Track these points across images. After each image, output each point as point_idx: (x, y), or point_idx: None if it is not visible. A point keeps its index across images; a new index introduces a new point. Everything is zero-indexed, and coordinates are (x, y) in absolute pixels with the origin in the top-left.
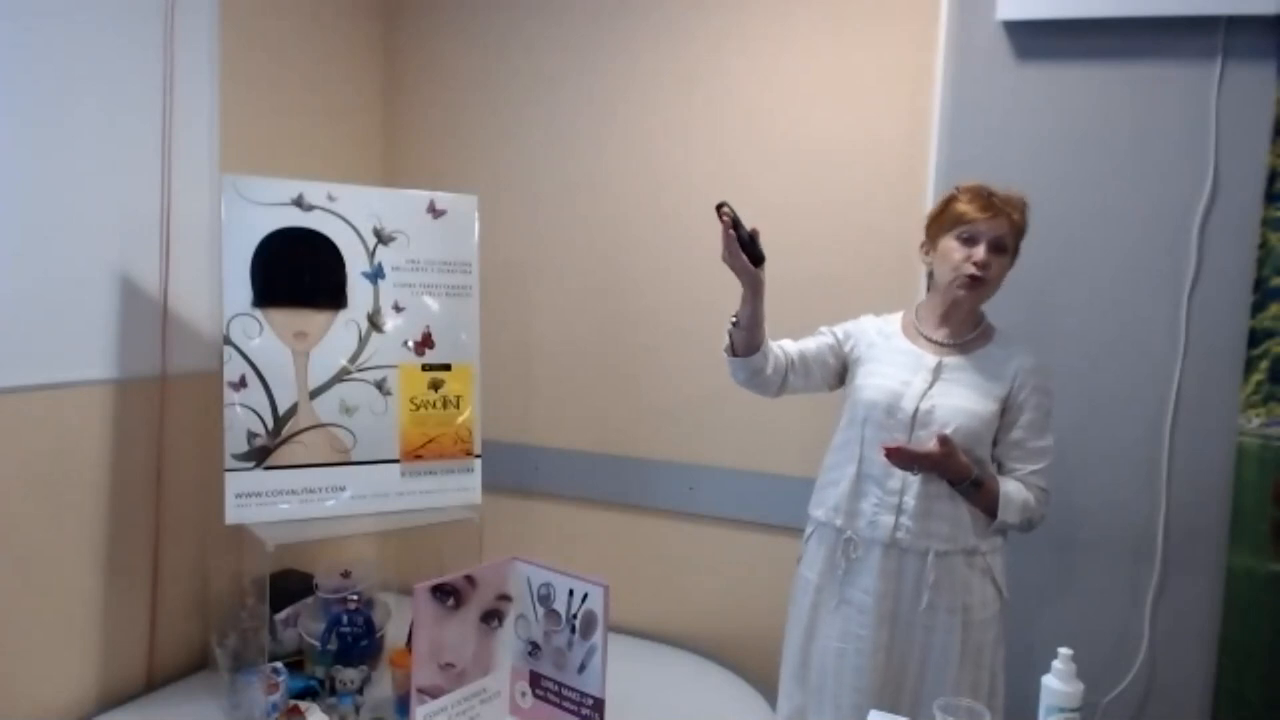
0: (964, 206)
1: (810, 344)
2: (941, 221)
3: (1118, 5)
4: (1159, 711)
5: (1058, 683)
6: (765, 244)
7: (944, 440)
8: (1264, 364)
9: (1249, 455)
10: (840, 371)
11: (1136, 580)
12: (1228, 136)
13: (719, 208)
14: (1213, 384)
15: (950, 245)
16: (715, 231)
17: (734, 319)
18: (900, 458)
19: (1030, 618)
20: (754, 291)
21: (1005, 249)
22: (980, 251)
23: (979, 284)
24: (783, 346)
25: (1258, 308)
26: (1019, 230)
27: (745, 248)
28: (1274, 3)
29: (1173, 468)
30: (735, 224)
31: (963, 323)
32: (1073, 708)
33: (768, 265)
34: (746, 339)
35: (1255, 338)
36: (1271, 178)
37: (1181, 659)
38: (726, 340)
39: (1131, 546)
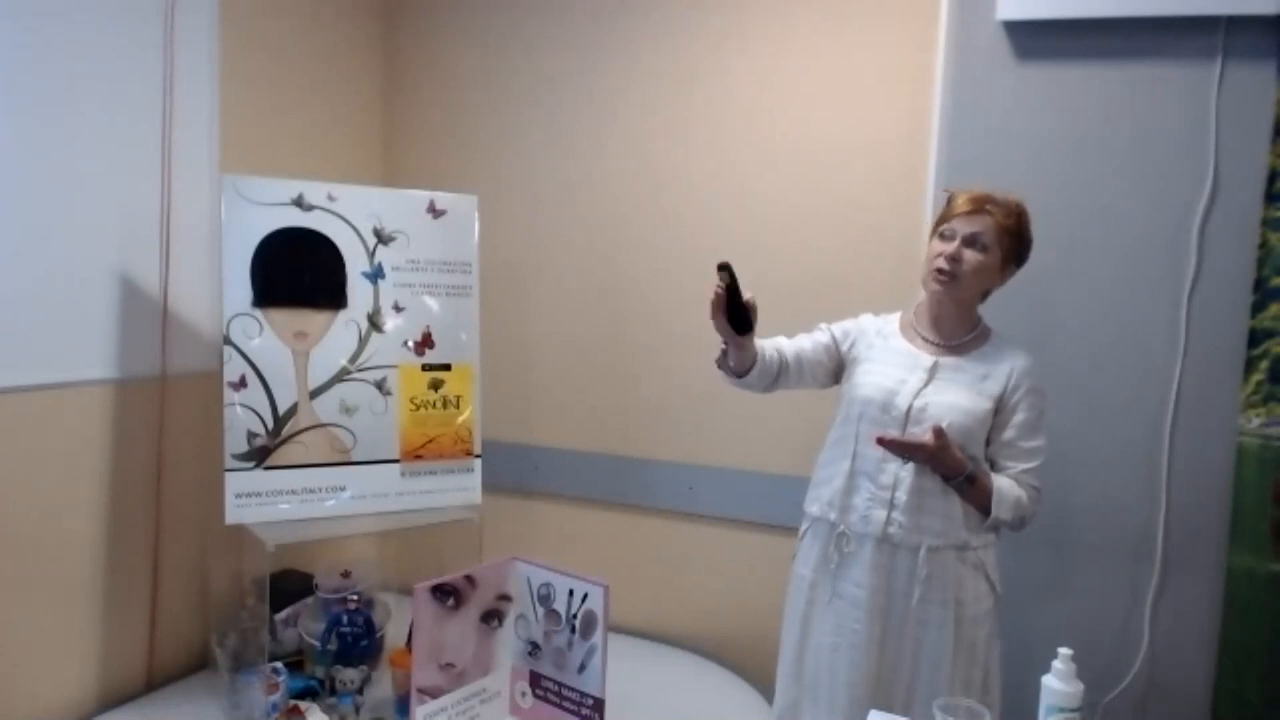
0: (949, 206)
1: (806, 344)
2: (936, 222)
3: (1118, 5)
4: (1159, 711)
5: (1058, 683)
6: (767, 245)
7: (939, 433)
8: (1264, 364)
9: (1249, 455)
10: (835, 371)
11: (1136, 580)
12: (1228, 136)
13: (719, 267)
14: (1213, 384)
15: (932, 243)
16: (716, 233)
17: (724, 345)
18: (894, 447)
19: (1030, 617)
20: (735, 348)
21: (984, 247)
22: (951, 246)
23: (949, 278)
24: (778, 347)
25: (1258, 308)
26: (1006, 231)
27: (735, 312)
28: (1274, 3)
29: (1173, 468)
30: (731, 288)
31: (957, 323)
32: (1073, 708)
33: (769, 263)
34: (735, 366)
35: (1255, 338)
36: (1271, 178)
37: (1181, 659)
38: (718, 353)
39: (1131, 546)
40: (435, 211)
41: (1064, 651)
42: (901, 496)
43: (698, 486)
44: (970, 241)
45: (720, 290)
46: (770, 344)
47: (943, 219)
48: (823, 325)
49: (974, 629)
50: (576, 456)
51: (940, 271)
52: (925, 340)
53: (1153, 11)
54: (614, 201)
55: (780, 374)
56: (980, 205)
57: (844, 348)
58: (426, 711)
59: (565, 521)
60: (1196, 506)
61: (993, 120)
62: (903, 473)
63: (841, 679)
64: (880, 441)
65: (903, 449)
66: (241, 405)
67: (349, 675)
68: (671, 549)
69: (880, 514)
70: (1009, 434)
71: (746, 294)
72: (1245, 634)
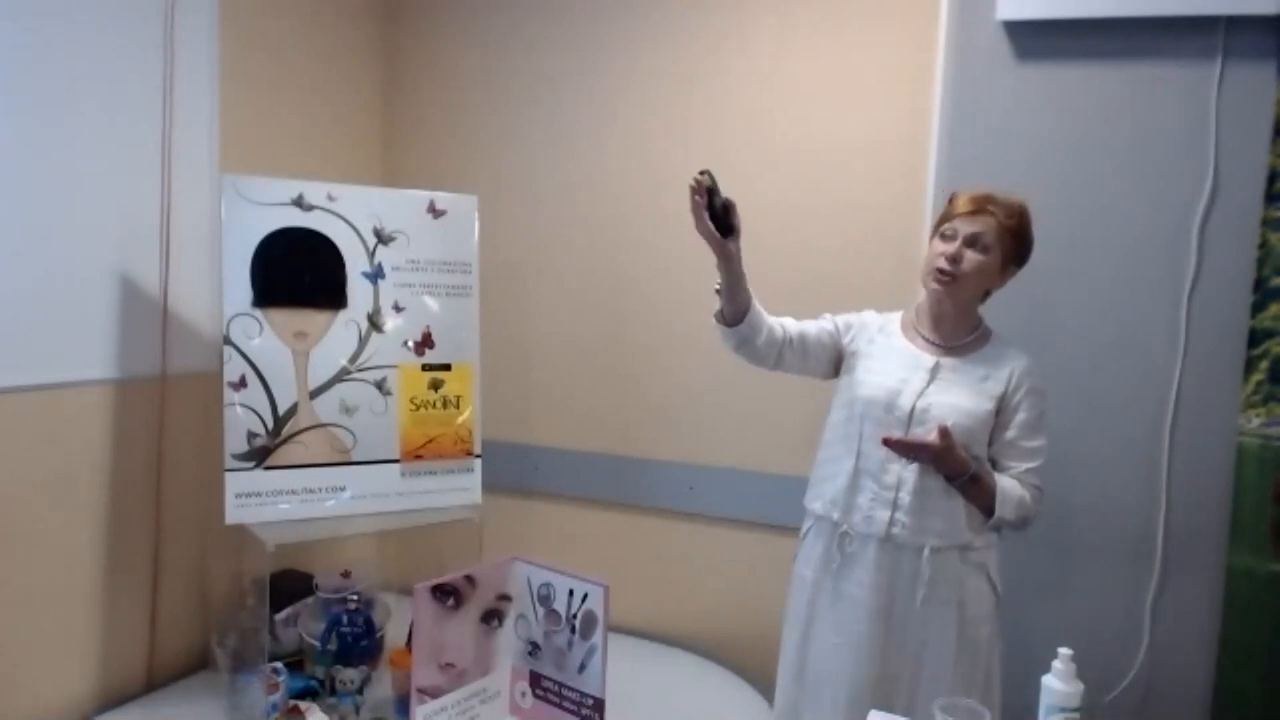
0: (951, 206)
1: (811, 327)
2: (937, 222)
3: (1118, 5)
4: (1159, 711)
5: (1058, 683)
6: (766, 245)
7: (944, 433)
8: (1264, 364)
9: (1249, 455)
10: (836, 361)
11: (1136, 580)
12: (1228, 136)
13: (701, 172)
14: (1213, 384)
15: (933, 243)
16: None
17: (717, 286)
18: (900, 448)
19: (1030, 617)
20: (724, 261)
21: (985, 247)
22: (953, 246)
23: (949, 278)
24: (784, 324)
25: (1258, 308)
26: (1008, 232)
27: (717, 217)
28: (1274, 3)
29: (1173, 468)
30: (711, 192)
31: (957, 324)
32: (1073, 708)
33: (769, 263)
34: (730, 308)
35: (1255, 338)
36: (1271, 178)
37: (1181, 659)
38: (717, 307)
39: (1131, 546)
40: (435, 211)
41: (1064, 651)
42: (905, 497)
43: (698, 486)
44: (971, 242)
45: (698, 190)
46: (776, 318)
47: (944, 218)
48: (826, 315)
49: (976, 629)
50: (576, 456)
51: (941, 272)
52: (926, 340)
53: (1153, 11)
54: (614, 201)
55: (784, 348)
56: (982, 205)
57: (845, 339)
58: (426, 711)
59: (565, 521)
60: (1196, 506)
61: (993, 120)
62: (906, 473)
63: (843, 679)
64: (886, 442)
65: (908, 449)
66: (241, 405)
67: (349, 675)
68: (671, 549)
69: (884, 514)
70: (1011, 434)
71: (727, 196)
72: (1245, 634)
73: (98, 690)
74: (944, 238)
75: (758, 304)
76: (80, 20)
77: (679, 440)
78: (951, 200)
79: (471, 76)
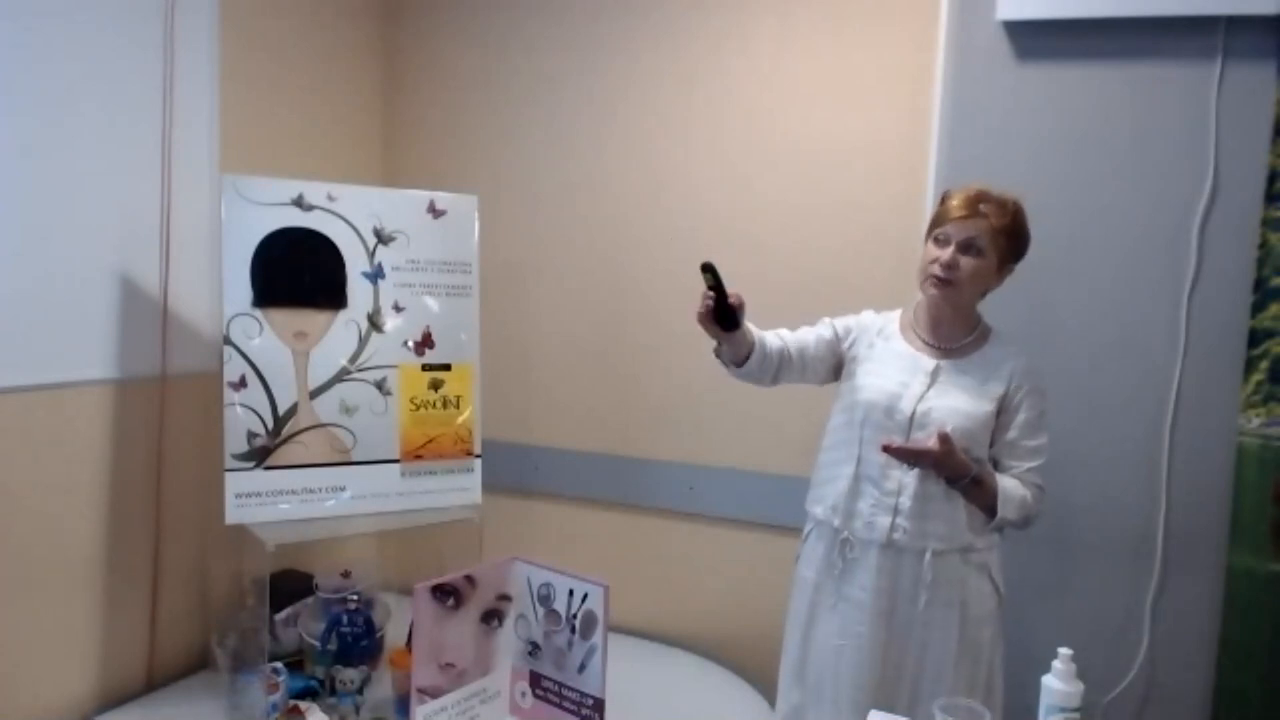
0: (944, 208)
1: (809, 338)
2: (931, 224)
3: (1118, 5)
4: (1159, 711)
5: (1058, 683)
6: (767, 245)
7: (944, 438)
8: (1264, 364)
9: (1249, 455)
10: (836, 368)
11: (1136, 580)
12: (1228, 136)
13: (703, 268)
14: (1213, 384)
15: (927, 247)
16: (714, 232)
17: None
18: (900, 454)
19: (1030, 617)
20: (728, 345)
21: (979, 251)
22: (947, 253)
23: (945, 285)
24: (781, 338)
25: (1258, 308)
26: (1001, 232)
27: (722, 312)
28: (1274, 3)
29: (1173, 468)
30: (717, 288)
31: (956, 326)
32: (1073, 708)
33: (769, 263)
34: (731, 357)
35: (1255, 338)
36: (1271, 178)
37: (1181, 659)
38: (715, 345)
39: (1131, 546)
40: (435, 211)
41: (1064, 651)
42: (906, 502)
43: (698, 486)
44: (965, 248)
45: (709, 300)
46: (772, 334)
47: (937, 221)
48: (825, 319)
49: (978, 630)
50: (576, 456)
51: (937, 279)
52: (925, 343)
53: (1153, 11)
54: (614, 201)
55: (782, 366)
56: (974, 208)
57: (845, 344)
58: (426, 711)
59: (565, 521)
60: (1196, 506)
61: (993, 120)
62: (907, 478)
63: (845, 681)
64: (886, 449)
65: (909, 456)
66: (241, 405)
67: (349, 675)
68: (671, 549)
69: (885, 520)
70: (1012, 434)
71: (732, 294)
72: (1245, 634)
73: (98, 690)
74: (938, 242)
75: (755, 334)
76: (80, 20)
77: (679, 440)
78: (944, 200)
79: (471, 76)
